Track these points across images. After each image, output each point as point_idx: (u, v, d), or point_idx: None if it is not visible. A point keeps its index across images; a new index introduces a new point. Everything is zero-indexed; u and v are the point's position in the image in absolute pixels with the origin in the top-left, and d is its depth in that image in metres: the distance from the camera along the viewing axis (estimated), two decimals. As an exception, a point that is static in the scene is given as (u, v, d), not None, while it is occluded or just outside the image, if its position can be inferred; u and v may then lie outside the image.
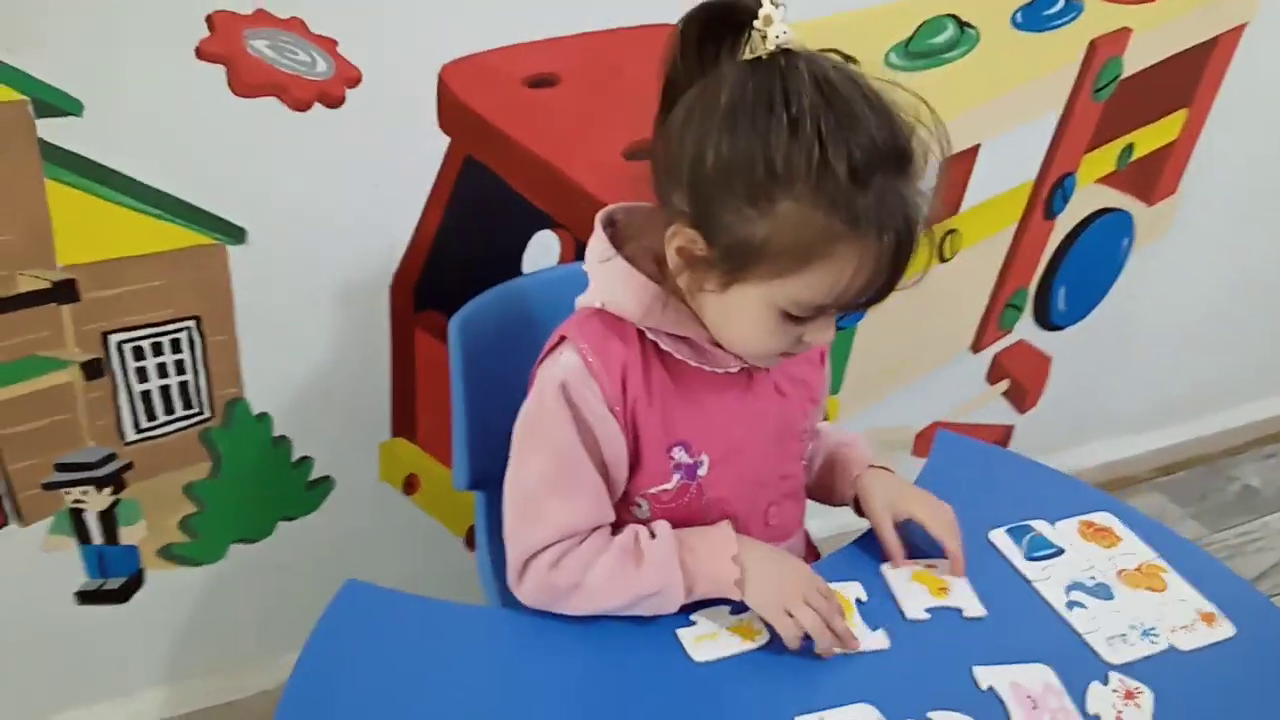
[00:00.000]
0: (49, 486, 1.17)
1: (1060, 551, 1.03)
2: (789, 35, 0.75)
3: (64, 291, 1.06)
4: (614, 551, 0.88)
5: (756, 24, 0.76)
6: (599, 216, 0.91)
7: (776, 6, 0.76)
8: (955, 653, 0.91)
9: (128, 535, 1.25)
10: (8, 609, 1.24)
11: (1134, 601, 0.97)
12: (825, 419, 1.10)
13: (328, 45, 1.06)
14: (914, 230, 0.78)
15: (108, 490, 1.20)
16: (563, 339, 0.89)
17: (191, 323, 1.14)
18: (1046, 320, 1.81)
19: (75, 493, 1.18)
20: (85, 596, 1.27)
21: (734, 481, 0.94)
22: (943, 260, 1.62)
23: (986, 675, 0.88)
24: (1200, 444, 2.18)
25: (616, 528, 0.92)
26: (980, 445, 1.21)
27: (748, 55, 0.77)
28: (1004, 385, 1.85)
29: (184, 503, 1.26)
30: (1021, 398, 1.89)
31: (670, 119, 0.80)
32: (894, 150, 0.76)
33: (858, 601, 0.94)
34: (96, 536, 1.23)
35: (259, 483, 1.29)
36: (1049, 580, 1.00)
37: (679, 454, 0.91)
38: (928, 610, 0.94)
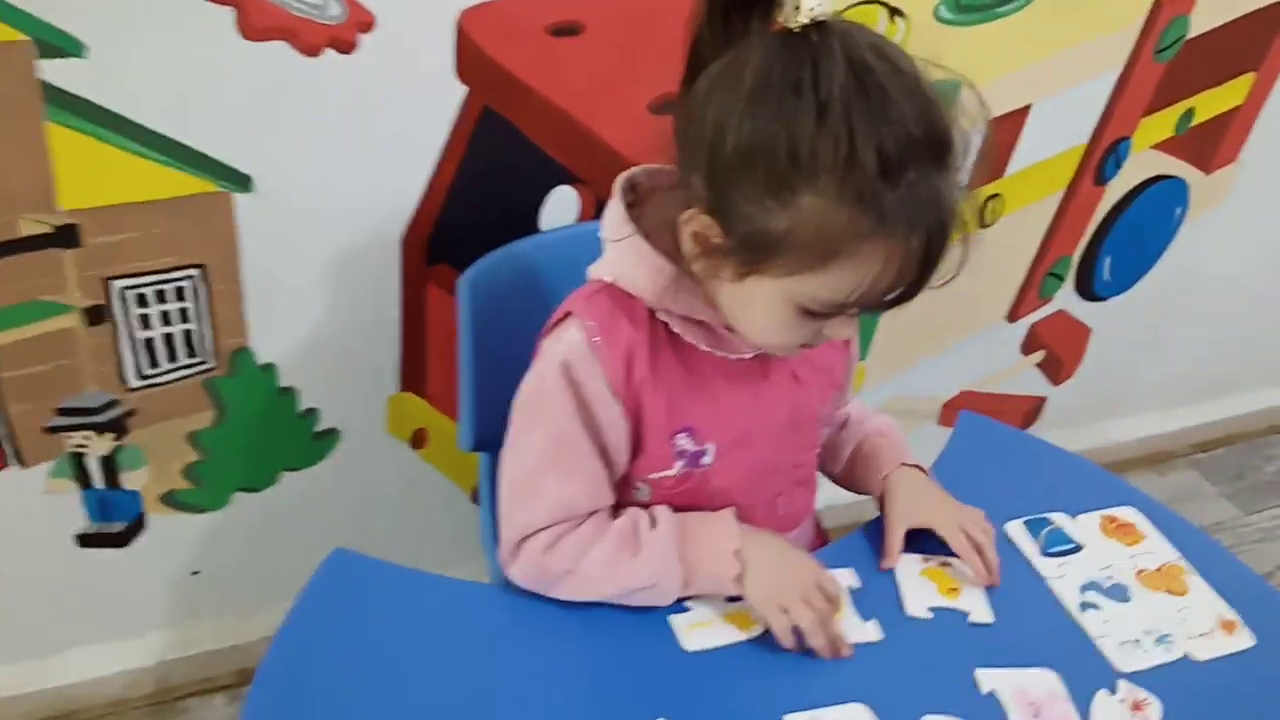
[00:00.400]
0: (50, 430, 1.16)
1: (1079, 548, 0.99)
2: (824, 7, 0.69)
3: (66, 236, 1.04)
4: (611, 538, 0.85)
5: None
6: (618, 182, 0.86)
7: None
8: (957, 653, 0.88)
9: (130, 480, 1.24)
10: (10, 550, 1.24)
11: (1151, 605, 0.93)
12: (853, 392, 1.07)
13: (340, -12, 1.01)
14: (947, 229, 0.72)
15: (109, 436, 1.19)
16: (568, 314, 0.85)
17: (196, 271, 1.12)
18: (1089, 290, 1.74)
19: (77, 437, 1.18)
20: (87, 539, 1.27)
21: (741, 471, 0.90)
22: (983, 226, 1.55)
23: (989, 679, 0.85)
24: (1241, 421, 2.11)
25: (616, 509, 0.89)
26: (1004, 429, 1.16)
27: (779, 25, 0.71)
28: (1039, 356, 1.79)
29: (187, 450, 1.25)
30: (1057, 369, 1.83)
31: (693, 92, 0.74)
32: (930, 142, 0.70)
33: (850, 589, 0.90)
34: (98, 481, 1.22)
35: (264, 433, 1.28)
36: (1064, 578, 0.96)
37: (683, 441, 0.87)
38: (930, 609, 0.91)
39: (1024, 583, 0.95)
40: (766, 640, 0.85)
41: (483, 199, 1.19)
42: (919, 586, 0.93)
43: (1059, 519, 1.02)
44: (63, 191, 1.01)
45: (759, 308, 0.78)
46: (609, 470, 0.87)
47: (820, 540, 1.09)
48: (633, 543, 0.85)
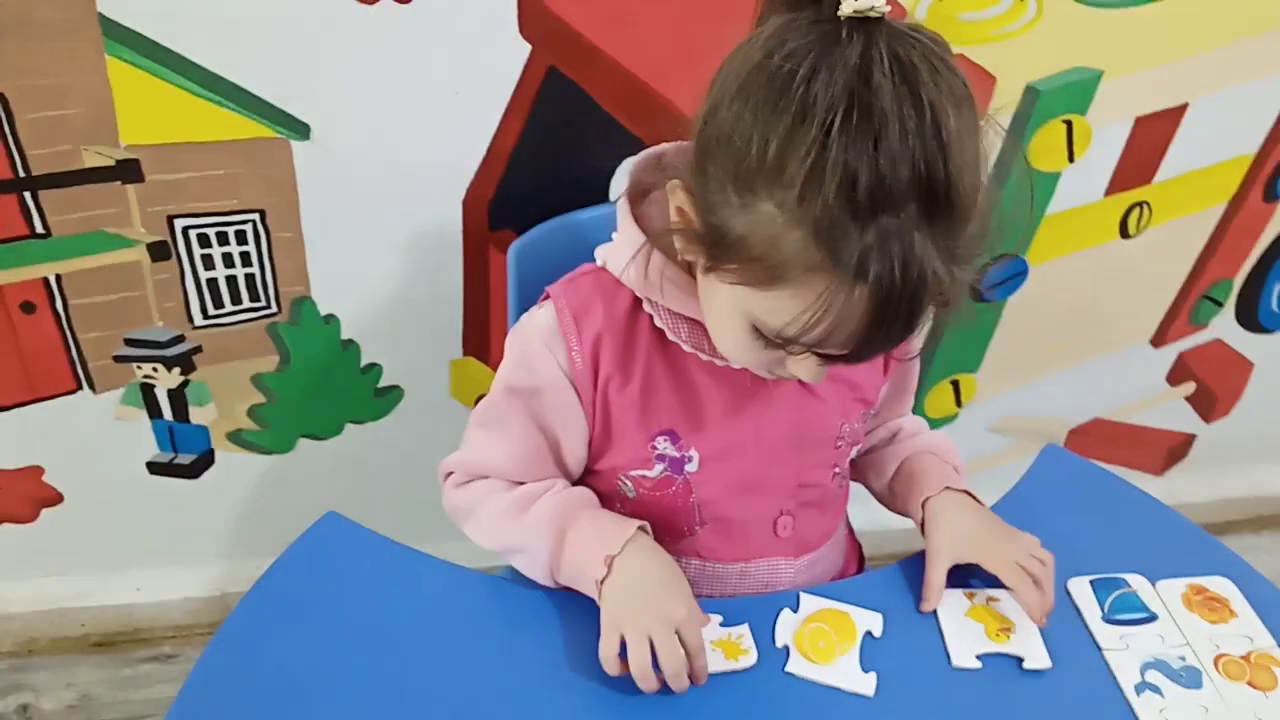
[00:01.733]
0: (119, 360, 1.19)
1: (1151, 618, 0.86)
2: (878, 5, 0.59)
3: (128, 170, 1.05)
4: (513, 496, 0.82)
5: None
6: (642, 155, 0.80)
7: None
8: (978, 717, 0.77)
9: (198, 415, 1.27)
10: (82, 469, 1.29)
11: (1226, 698, 0.80)
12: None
13: (401, -66, 0.98)
14: (910, 293, 0.60)
15: (177, 370, 1.21)
16: (548, 295, 0.81)
17: (256, 216, 1.11)
18: (1253, 320, 1.53)
19: (146, 368, 1.20)
20: (157, 468, 1.31)
21: (730, 485, 0.83)
22: (1126, 236, 1.38)
23: (1006, 755, 0.75)
24: None
25: (605, 499, 0.85)
26: (1093, 469, 1.02)
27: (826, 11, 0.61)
28: (1188, 388, 1.59)
29: (253, 392, 1.26)
30: (1209, 405, 1.62)
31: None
32: (922, 194, 0.59)
33: (868, 635, 0.81)
34: (167, 412, 1.25)
35: (326, 383, 1.28)
36: (1125, 651, 0.83)
37: (663, 445, 0.81)
38: (979, 656, 0.80)
39: (1075, 650, 0.83)
40: (759, 669, 0.77)
41: (547, 165, 1.13)
42: (964, 630, 0.82)
43: (1135, 582, 0.89)
44: (124, 126, 1.02)
45: (721, 313, 0.71)
46: (563, 461, 0.84)
47: (856, 565, 0.99)
48: (527, 505, 0.81)
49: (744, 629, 0.80)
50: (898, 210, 0.59)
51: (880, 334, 0.63)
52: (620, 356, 0.78)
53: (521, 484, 0.84)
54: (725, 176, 0.63)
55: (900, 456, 0.93)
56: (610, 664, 0.74)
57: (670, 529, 0.85)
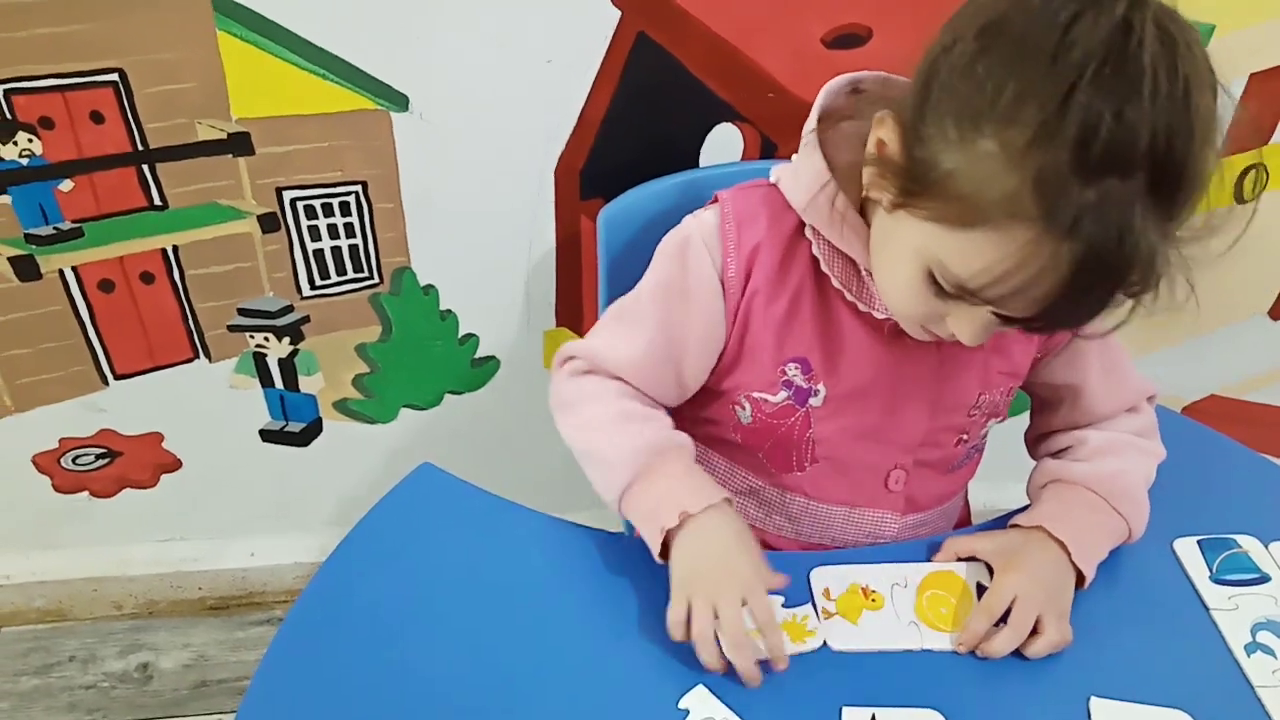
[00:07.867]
0: (233, 329, 1.24)
1: (1264, 579, 0.83)
2: None
3: (239, 143, 1.10)
4: (620, 407, 0.82)
5: None
6: (837, 81, 0.78)
7: None
8: (1073, 675, 0.75)
9: (307, 384, 1.32)
10: (200, 436, 1.36)
11: (1347, 662, 0.76)
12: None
13: (494, -96, 1.00)
14: (1120, 263, 0.59)
15: (287, 340, 1.26)
16: (717, 198, 0.82)
17: (358, 187, 1.15)
18: (1383, 290, 1.44)
19: (258, 338, 1.26)
20: (269, 435, 1.36)
21: (850, 428, 0.82)
22: (1241, 201, 1.32)
23: (1105, 711, 0.72)
24: None
25: (714, 425, 0.86)
26: (1201, 430, 0.99)
27: None
28: (1312, 363, 1.51)
29: (357, 362, 1.30)
30: (1336, 381, 1.54)
31: None
32: (1156, 167, 0.57)
33: (979, 586, 0.80)
34: (278, 381, 1.30)
35: (427, 353, 1.31)
36: (1234, 611, 0.81)
37: (792, 372, 0.81)
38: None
39: (1180, 609, 0.81)
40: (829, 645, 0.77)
41: (637, 132, 1.14)
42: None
43: (1246, 543, 0.86)
44: (234, 100, 1.07)
45: (895, 251, 0.70)
46: (680, 373, 0.83)
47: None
48: (633, 420, 0.81)
49: (807, 609, 0.78)
50: (1127, 175, 0.57)
51: (1072, 303, 0.62)
52: (774, 273, 0.78)
53: (638, 393, 0.84)
54: (949, 111, 0.62)
55: (1055, 475, 0.85)
56: (677, 629, 0.73)
57: (780, 461, 0.85)
